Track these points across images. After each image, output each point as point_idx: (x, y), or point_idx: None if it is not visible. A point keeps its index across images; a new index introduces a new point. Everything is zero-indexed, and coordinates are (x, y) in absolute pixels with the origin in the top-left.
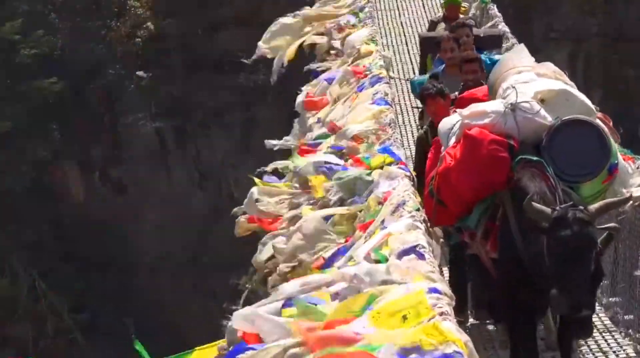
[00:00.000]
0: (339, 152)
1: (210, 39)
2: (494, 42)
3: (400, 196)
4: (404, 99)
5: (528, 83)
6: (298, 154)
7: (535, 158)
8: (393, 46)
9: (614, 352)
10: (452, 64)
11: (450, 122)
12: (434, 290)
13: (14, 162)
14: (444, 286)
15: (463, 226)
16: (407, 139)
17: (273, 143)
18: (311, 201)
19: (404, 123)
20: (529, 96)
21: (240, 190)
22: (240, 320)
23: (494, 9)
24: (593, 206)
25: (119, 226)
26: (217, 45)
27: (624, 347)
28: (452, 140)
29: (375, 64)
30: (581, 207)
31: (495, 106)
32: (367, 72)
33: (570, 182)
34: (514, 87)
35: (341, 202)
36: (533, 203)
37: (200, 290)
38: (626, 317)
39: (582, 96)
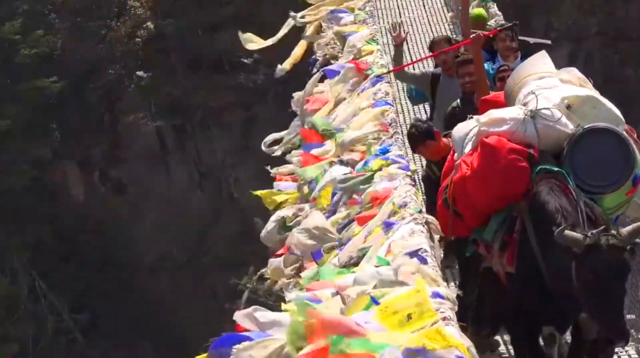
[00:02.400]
0: (344, 162)
1: (210, 39)
2: (540, 49)
3: (402, 198)
4: (405, 98)
5: (552, 89)
6: (301, 163)
7: (555, 169)
8: (392, 44)
9: (616, 352)
10: (448, 67)
11: (467, 127)
12: (437, 295)
13: (14, 162)
14: (447, 291)
15: (478, 237)
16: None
17: (270, 139)
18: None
19: (405, 123)
20: (555, 101)
21: (240, 190)
22: (241, 319)
23: (494, 7)
24: (626, 230)
25: (119, 226)
26: (217, 45)
27: (626, 348)
28: (468, 147)
29: (376, 64)
30: (614, 232)
31: (514, 112)
32: (369, 72)
33: (592, 193)
34: (534, 93)
35: (344, 204)
36: (566, 232)
37: (200, 290)
38: (628, 317)
39: (610, 104)
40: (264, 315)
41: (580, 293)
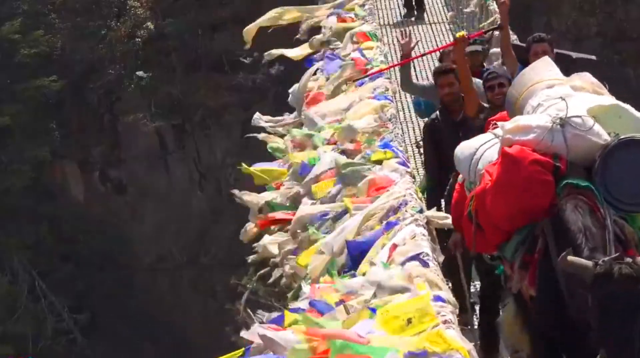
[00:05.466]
0: (339, 150)
1: (210, 39)
2: (586, 67)
3: (402, 195)
4: (405, 95)
5: (570, 98)
6: (292, 148)
7: (583, 184)
8: (394, 44)
9: None
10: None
11: (472, 146)
12: (438, 298)
13: (13, 161)
14: (448, 294)
15: (502, 255)
16: (409, 136)
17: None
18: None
19: (405, 120)
20: (580, 112)
21: (240, 190)
22: (248, 337)
23: (493, 5)
24: None
25: (119, 226)
26: (217, 45)
27: None
28: (495, 156)
29: (375, 59)
30: (629, 260)
31: (542, 119)
32: (368, 67)
33: (624, 211)
34: (564, 99)
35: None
36: (569, 258)
37: (200, 290)
38: None
39: (634, 111)
40: (270, 334)
41: (593, 325)
